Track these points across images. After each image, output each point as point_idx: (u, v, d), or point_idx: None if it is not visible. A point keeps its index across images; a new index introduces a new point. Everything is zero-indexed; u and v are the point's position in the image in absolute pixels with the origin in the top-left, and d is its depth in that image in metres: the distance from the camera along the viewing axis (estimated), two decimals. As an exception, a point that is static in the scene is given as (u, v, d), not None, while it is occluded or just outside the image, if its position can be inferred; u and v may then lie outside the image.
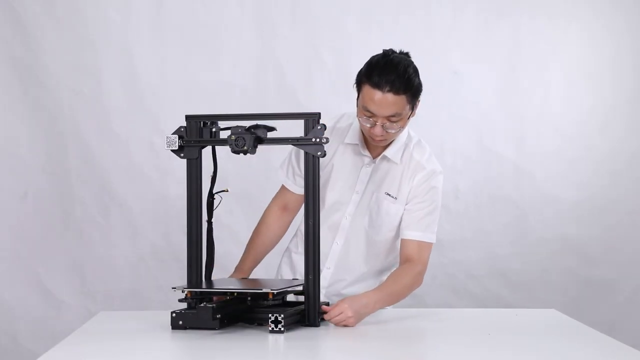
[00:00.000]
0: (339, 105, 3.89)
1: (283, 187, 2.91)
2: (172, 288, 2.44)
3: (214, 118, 2.56)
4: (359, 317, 2.50)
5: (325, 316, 2.46)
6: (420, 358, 2.14)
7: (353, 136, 2.78)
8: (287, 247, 2.98)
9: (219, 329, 2.35)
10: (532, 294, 4.42)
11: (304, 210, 2.48)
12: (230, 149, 2.45)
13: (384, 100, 2.55)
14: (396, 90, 2.55)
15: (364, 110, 2.60)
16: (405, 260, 2.74)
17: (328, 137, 2.45)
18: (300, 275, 2.82)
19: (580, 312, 4.03)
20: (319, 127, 2.44)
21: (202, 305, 2.34)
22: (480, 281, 4.44)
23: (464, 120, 4.42)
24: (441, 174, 2.79)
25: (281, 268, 2.97)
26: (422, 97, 4.55)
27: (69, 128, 4.23)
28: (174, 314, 2.38)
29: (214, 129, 2.55)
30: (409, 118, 2.65)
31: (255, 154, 2.46)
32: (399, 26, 4.37)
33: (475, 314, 2.94)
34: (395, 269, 2.78)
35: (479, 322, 2.64)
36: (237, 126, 2.46)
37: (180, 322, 2.37)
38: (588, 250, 4.47)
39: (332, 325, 2.49)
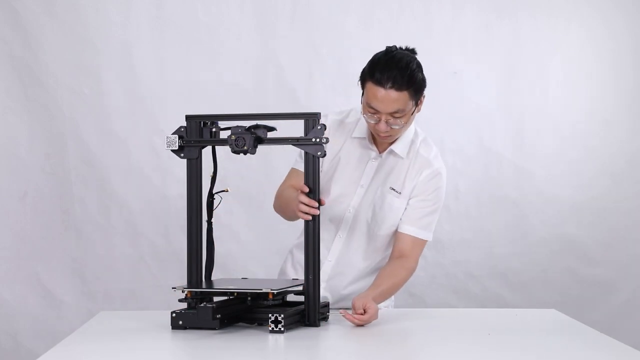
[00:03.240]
0: (339, 105, 3.90)
1: (290, 173, 2.86)
2: (172, 288, 2.45)
3: (214, 118, 2.56)
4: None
5: (357, 319, 2.45)
6: (420, 358, 2.14)
7: (360, 130, 2.80)
8: (291, 250, 2.98)
9: (219, 328, 2.35)
10: (532, 294, 4.42)
11: (304, 210, 2.48)
12: (230, 149, 2.45)
13: (386, 96, 2.58)
14: (398, 87, 2.57)
15: (368, 107, 2.63)
16: (398, 254, 2.77)
17: (328, 137, 2.46)
18: (302, 267, 2.83)
19: (580, 312, 4.03)
20: (319, 127, 2.45)
21: (202, 305, 2.34)
22: (480, 281, 4.44)
23: (464, 120, 4.42)
24: (445, 174, 2.82)
25: (286, 268, 2.96)
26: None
27: (69, 128, 4.22)
28: (174, 314, 2.38)
29: (214, 129, 2.55)
30: (413, 114, 2.67)
31: (255, 154, 2.46)
32: (399, 26, 4.37)
33: (475, 314, 2.94)
34: (388, 263, 2.78)
35: (479, 322, 2.64)
36: (237, 126, 2.46)
37: (181, 322, 2.37)
38: (588, 250, 4.47)
39: (332, 325, 2.49)
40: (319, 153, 2.44)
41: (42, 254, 4.24)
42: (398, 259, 2.76)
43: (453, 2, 4.40)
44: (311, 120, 2.46)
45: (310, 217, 2.45)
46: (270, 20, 4.33)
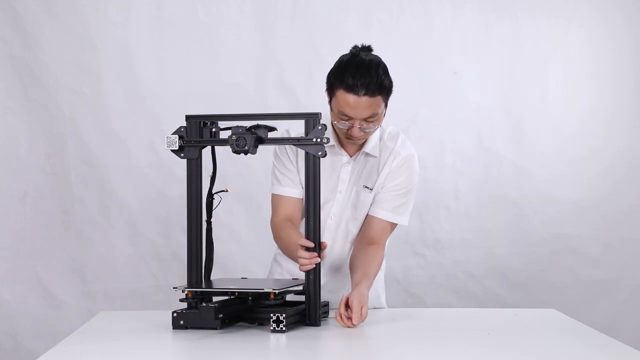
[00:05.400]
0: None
1: (276, 201, 2.82)
2: (174, 288, 2.45)
3: (214, 118, 2.56)
4: None
5: (354, 321, 2.45)
6: (420, 358, 2.14)
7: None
8: (275, 257, 2.99)
9: (220, 328, 2.35)
10: (532, 294, 4.43)
11: (305, 211, 2.48)
12: (231, 149, 2.45)
13: (359, 103, 2.56)
14: (372, 93, 2.55)
15: (340, 115, 2.60)
16: (368, 240, 2.77)
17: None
18: (291, 276, 2.84)
19: (580, 312, 4.04)
20: (319, 127, 2.45)
21: (204, 305, 2.34)
22: (480, 281, 4.44)
23: (464, 120, 4.42)
24: (416, 156, 2.82)
25: (272, 273, 2.98)
26: (422, 96, 4.55)
27: (69, 128, 4.23)
28: (175, 314, 2.38)
29: (213, 129, 2.55)
30: (384, 115, 2.67)
31: (256, 154, 2.47)
32: (399, 26, 4.37)
33: (475, 314, 2.94)
34: (362, 251, 2.77)
35: (479, 322, 2.64)
36: (238, 126, 2.46)
37: (182, 322, 2.37)
38: (588, 250, 4.47)
39: (332, 324, 2.49)
40: (319, 153, 2.44)
41: (42, 254, 4.24)
42: (369, 245, 2.76)
43: (453, 2, 4.40)
44: (311, 120, 2.46)
45: (312, 267, 2.46)
46: (270, 20, 4.33)
